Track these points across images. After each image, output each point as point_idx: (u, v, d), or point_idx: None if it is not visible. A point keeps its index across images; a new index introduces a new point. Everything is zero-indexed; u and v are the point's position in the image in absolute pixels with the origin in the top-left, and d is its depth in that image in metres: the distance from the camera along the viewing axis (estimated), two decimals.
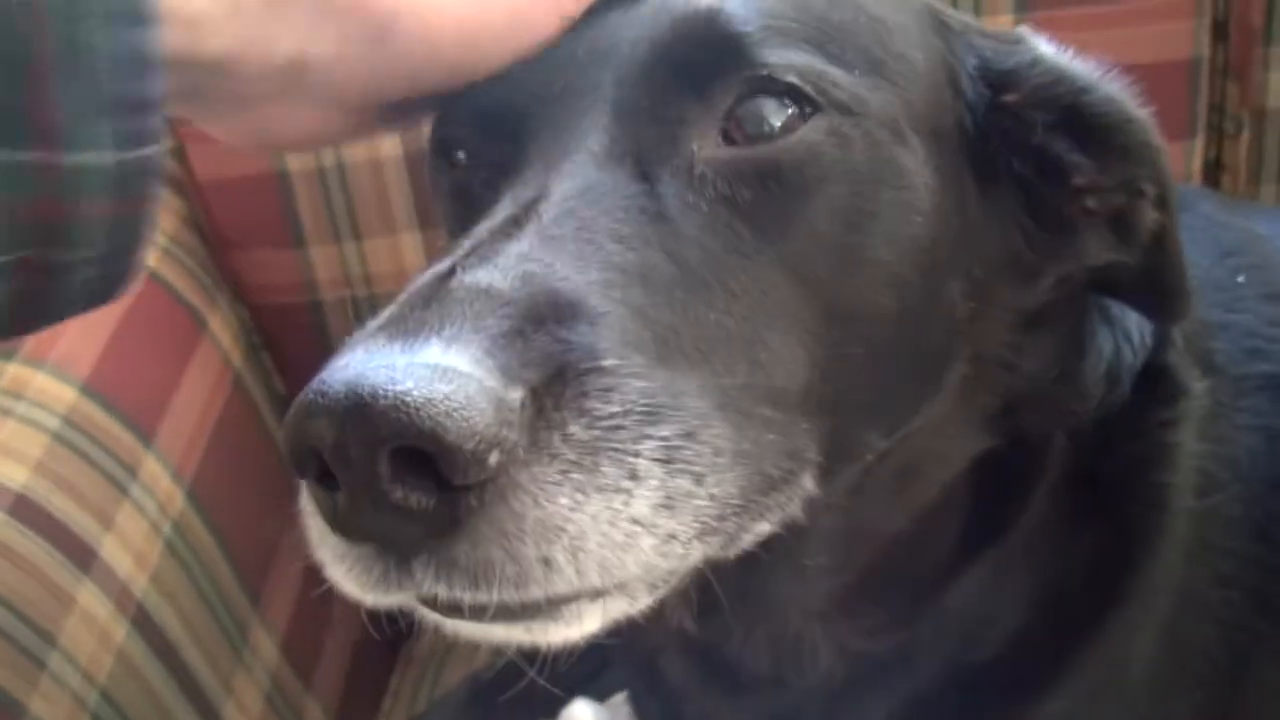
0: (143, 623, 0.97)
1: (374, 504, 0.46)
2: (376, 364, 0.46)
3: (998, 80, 0.66)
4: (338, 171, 1.25)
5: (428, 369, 0.45)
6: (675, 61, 0.60)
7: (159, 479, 1.06)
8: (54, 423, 0.98)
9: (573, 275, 0.52)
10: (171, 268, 1.21)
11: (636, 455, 0.48)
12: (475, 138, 0.65)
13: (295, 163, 1.25)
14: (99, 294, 0.53)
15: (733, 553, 0.56)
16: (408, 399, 0.44)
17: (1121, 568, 0.73)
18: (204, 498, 1.11)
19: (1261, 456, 0.76)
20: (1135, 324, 0.74)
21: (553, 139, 0.59)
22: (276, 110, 0.61)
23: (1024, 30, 0.69)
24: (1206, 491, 0.74)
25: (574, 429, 0.47)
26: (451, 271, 0.52)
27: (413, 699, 1.36)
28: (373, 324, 0.51)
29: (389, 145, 1.24)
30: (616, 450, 0.48)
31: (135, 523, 1.01)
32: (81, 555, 0.93)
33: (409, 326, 0.48)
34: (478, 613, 0.49)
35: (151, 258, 1.19)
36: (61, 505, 0.94)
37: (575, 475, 0.47)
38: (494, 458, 0.45)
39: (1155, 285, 0.70)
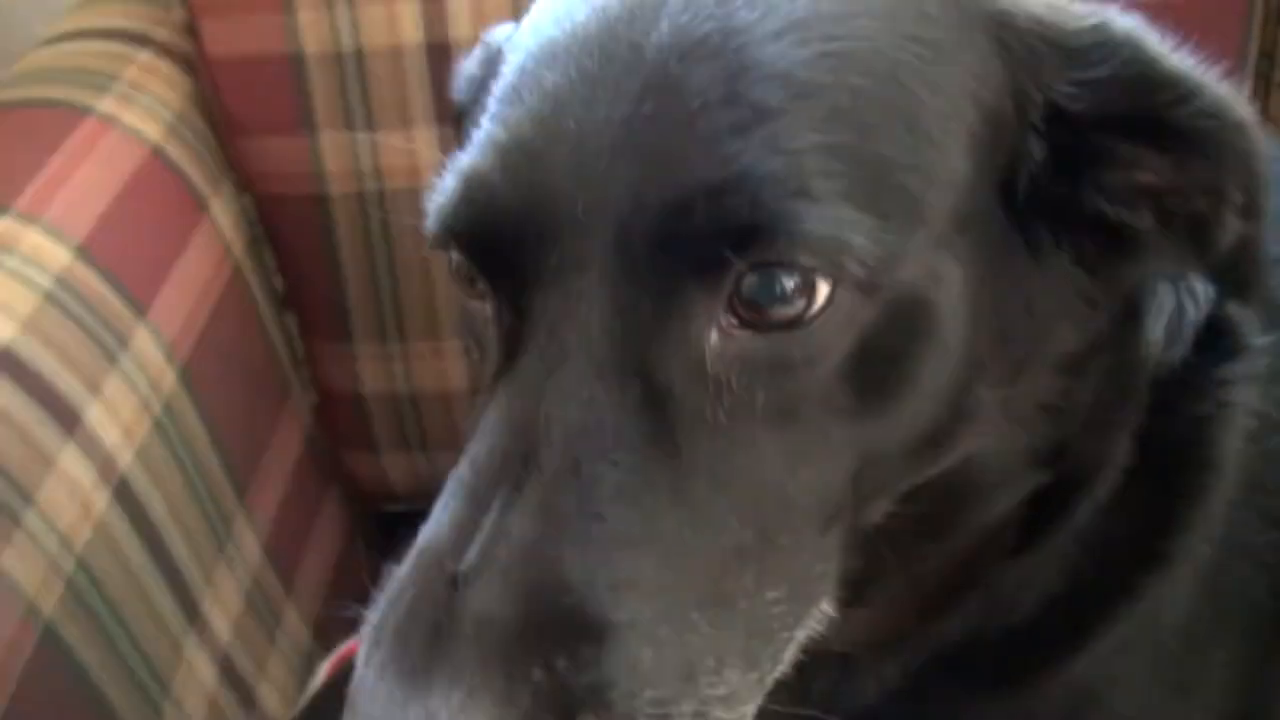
0: (126, 497, 0.93)
1: None
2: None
3: (1069, 99, 0.57)
4: (355, 58, 1.20)
5: None
6: (686, 238, 0.52)
7: (151, 355, 1.01)
8: (46, 282, 0.93)
9: (577, 575, 0.50)
10: (176, 146, 1.16)
11: None
12: (474, 261, 0.58)
13: (312, 45, 1.19)
14: None
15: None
16: None
17: (1167, 528, 0.69)
18: (196, 384, 1.07)
19: None
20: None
21: (549, 326, 0.53)
22: None
23: (1107, 17, 0.58)
24: (1259, 436, 0.70)
25: None
26: (454, 582, 0.50)
27: None
28: (377, 643, 0.50)
29: (410, 32, 1.19)
30: None
31: (124, 395, 0.96)
32: (66, 416, 0.89)
33: (416, 665, 0.49)
34: None
35: (156, 133, 1.14)
36: (49, 364, 0.90)
37: None
38: None
39: (1228, 283, 0.65)
